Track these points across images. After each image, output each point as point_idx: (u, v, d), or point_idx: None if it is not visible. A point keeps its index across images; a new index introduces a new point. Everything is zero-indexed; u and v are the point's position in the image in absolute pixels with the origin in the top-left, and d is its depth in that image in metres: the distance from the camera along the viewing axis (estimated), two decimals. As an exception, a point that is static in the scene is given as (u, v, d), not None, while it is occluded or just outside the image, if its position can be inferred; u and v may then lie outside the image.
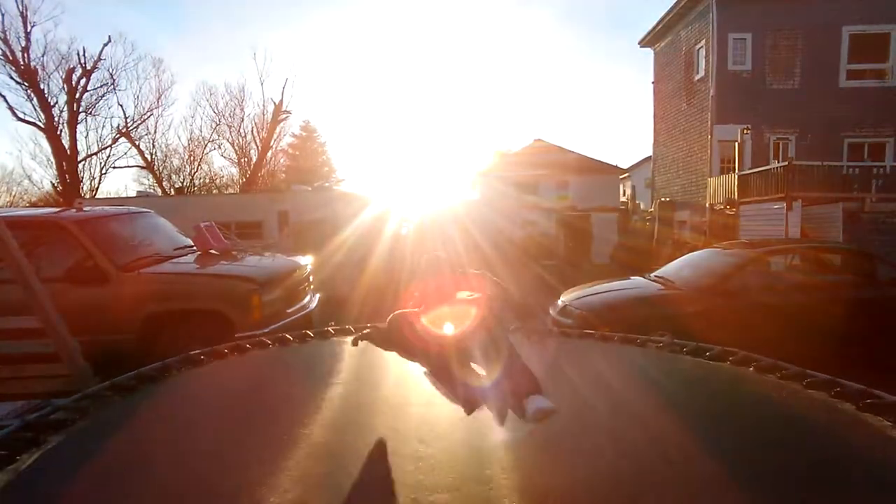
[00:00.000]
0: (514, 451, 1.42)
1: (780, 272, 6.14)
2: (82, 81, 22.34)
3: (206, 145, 27.03)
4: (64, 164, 22.22)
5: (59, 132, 22.09)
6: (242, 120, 27.49)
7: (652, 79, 18.53)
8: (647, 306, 5.16)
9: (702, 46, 14.49)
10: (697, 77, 14.89)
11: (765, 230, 10.10)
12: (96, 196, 22.69)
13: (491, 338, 1.44)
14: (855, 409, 1.47)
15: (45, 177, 29.38)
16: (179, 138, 36.78)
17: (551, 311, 5.63)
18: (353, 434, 1.49)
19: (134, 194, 19.16)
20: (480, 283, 1.66)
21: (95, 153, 23.65)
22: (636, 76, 66.05)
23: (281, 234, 9.86)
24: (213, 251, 5.31)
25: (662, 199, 15.31)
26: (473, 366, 1.47)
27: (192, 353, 1.99)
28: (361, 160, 58.00)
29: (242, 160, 28.00)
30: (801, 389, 1.64)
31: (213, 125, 27.14)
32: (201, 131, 27.82)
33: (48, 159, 23.00)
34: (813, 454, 1.32)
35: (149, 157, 25.24)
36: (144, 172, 26.17)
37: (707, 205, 13.11)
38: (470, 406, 1.41)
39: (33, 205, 21.89)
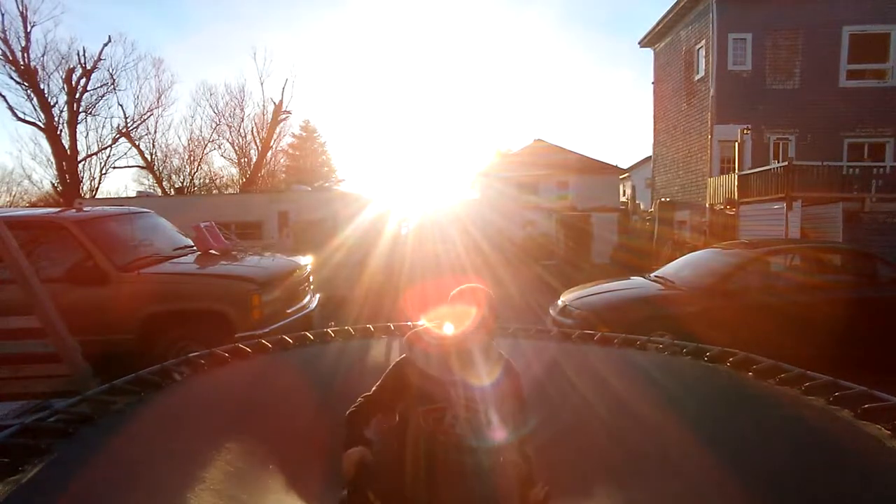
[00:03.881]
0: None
1: (780, 272, 6.13)
2: (82, 81, 22.35)
3: (206, 145, 27.06)
4: (64, 164, 22.21)
5: (59, 132, 22.08)
6: (242, 120, 27.53)
7: (652, 79, 18.51)
8: (647, 306, 5.16)
9: (702, 46, 14.48)
10: (697, 77, 14.88)
11: (765, 230, 10.09)
12: (96, 196, 22.69)
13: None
14: (854, 412, 1.47)
15: (45, 177, 29.37)
16: (179, 138, 36.79)
17: (551, 311, 5.63)
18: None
19: (134, 194, 19.17)
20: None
21: (95, 153, 23.68)
22: (636, 76, 65.99)
23: (281, 234, 9.86)
24: (213, 251, 5.31)
25: (662, 200, 15.30)
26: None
27: (191, 355, 1.99)
28: (361, 160, 57.98)
29: (242, 160, 28.02)
30: (801, 391, 1.64)
31: (213, 125, 27.18)
32: (201, 131, 27.85)
33: (48, 159, 23.02)
34: (812, 457, 1.32)
35: (149, 157, 25.25)
36: (144, 172, 26.20)
37: (707, 205, 13.10)
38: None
39: (33, 205, 21.90)
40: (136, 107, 25.57)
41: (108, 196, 23.18)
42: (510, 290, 10.01)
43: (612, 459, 1.39)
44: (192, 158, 26.83)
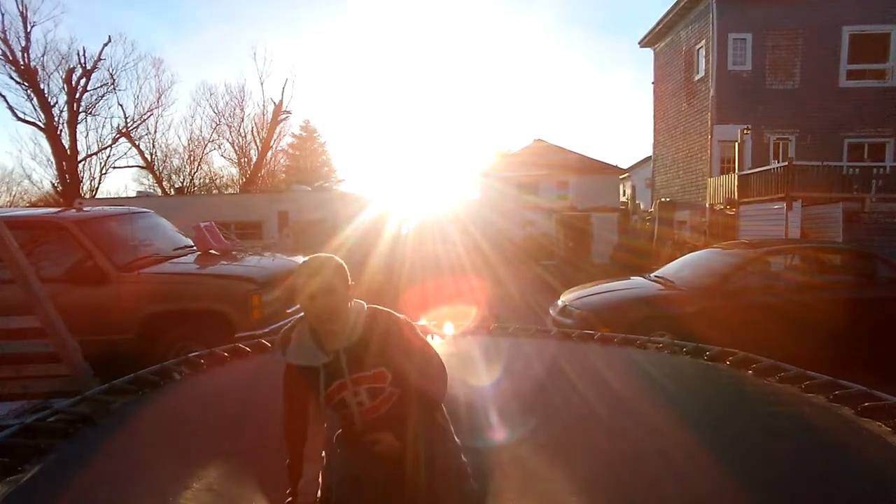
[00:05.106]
0: (515, 450, 1.42)
1: (780, 272, 6.13)
2: (82, 81, 22.38)
3: (206, 145, 27.11)
4: (64, 164, 22.23)
5: (59, 132, 22.11)
6: (242, 120, 27.57)
7: (652, 79, 18.51)
8: (647, 306, 5.16)
9: (702, 46, 14.47)
10: (697, 77, 14.87)
11: (765, 230, 10.09)
12: (96, 196, 22.71)
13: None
14: (854, 411, 1.47)
15: (45, 177, 29.45)
16: (179, 138, 36.86)
17: (551, 311, 5.63)
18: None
19: (134, 194, 19.20)
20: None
21: (95, 153, 23.72)
22: (636, 76, 65.84)
23: (281, 234, 9.86)
24: (213, 251, 5.31)
25: (662, 200, 15.31)
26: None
27: (190, 355, 1.99)
28: (361, 160, 58.04)
29: (242, 160, 28.06)
30: (801, 391, 1.64)
31: (213, 125, 27.22)
32: (201, 131, 27.94)
33: (48, 159, 23.07)
34: (812, 456, 1.32)
35: (149, 157, 25.28)
36: (144, 172, 26.24)
37: (707, 205, 13.10)
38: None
39: (33, 205, 21.90)
40: (136, 107, 25.62)
41: (108, 196, 23.23)
42: (510, 290, 10.01)
43: (612, 458, 1.39)
44: (192, 158, 26.89)
